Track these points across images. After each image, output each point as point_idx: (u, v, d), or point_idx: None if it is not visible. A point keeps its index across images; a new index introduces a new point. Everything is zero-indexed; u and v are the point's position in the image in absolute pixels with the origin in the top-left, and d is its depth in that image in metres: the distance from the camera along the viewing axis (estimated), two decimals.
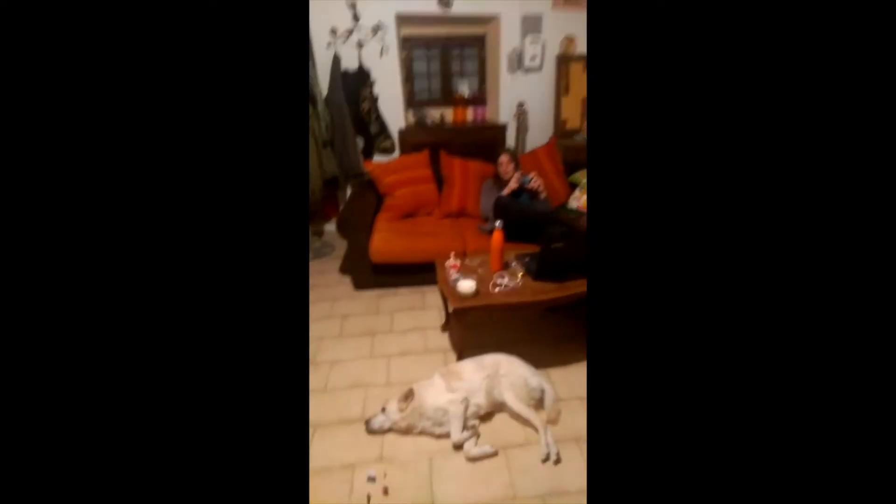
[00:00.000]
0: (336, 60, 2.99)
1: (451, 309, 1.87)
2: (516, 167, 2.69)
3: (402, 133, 3.31)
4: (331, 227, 3.61)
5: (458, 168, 2.89)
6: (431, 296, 2.63)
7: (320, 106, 2.87)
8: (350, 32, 3.04)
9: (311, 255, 3.21)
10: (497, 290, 1.86)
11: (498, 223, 1.99)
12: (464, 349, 1.96)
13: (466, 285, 1.82)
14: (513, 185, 2.59)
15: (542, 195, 2.62)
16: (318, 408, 1.85)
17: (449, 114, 3.48)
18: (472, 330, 2.16)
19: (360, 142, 3.23)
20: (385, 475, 1.53)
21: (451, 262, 2.04)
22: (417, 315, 2.46)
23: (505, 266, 2.05)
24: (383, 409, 1.70)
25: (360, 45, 3.07)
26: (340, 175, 3.15)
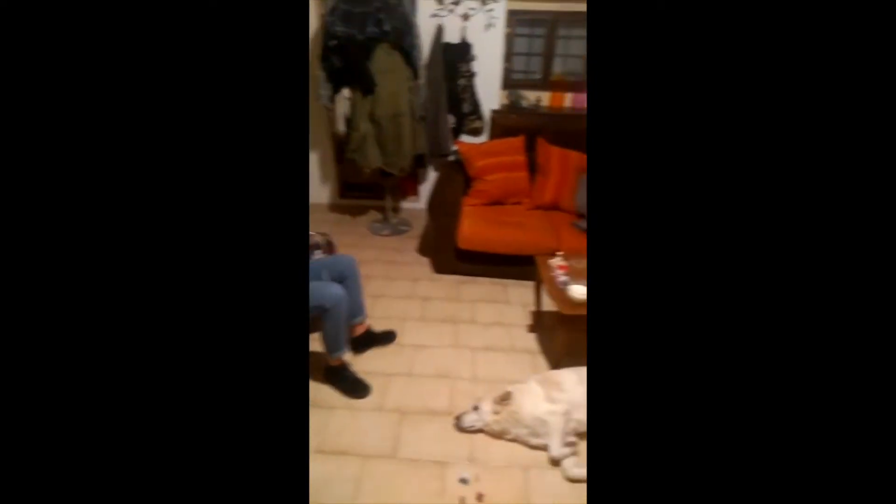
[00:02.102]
0: (439, 31, 2.85)
1: (556, 309, 1.73)
2: None
3: (494, 114, 3.14)
4: (408, 204, 3.54)
5: (556, 157, 2.71)
6: (514, 290, 2.51)
7: (421, 79, 2.75)
8: (457, 2, 2.88)
9: (388, 232, 3.16)
10: None
11: None
12: (562, 358, 1.84)
13: (580, 291, 1.68)
14: None
15: None
16: (405, 394, 1.80)
17: (545, 98, 3.27)
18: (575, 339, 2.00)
19: (451, 120, 3.11)
20: (478, 479, 1.46)
21: (559, 261, 1.90)
22: (501, 309, 2.35)
23: None
24: (476, 408, 1.62)
25: (465, 16, 2.90)
26: (427, 153, 3.05)
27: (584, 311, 1.66)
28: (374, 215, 3.42)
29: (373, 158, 2.76)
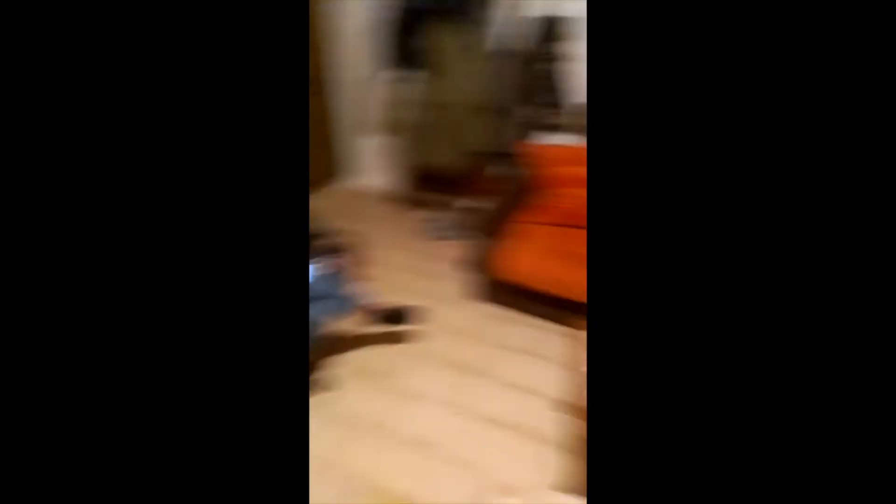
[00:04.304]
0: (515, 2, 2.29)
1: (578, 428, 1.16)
2: None
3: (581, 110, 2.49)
4: (467, 203, 3.09)
5: None
6: (559, 340, 1.93)
7: (480, 58, 2.24)
8: None
9: (436, 235, 2.76)
10: None
11: None
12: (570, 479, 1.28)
13: None
14: None
15: None
16: (355, 460, 1.42)
17: None
18: None
19: (527, 113, 2.54)
20: None
21: None
22: (530, 365, 1.82)
23: None
24: None
25: None
26: (488, 151, 2.55)
27: None
28: (440, 213, 3.04)
29: (422, 151, 2.36)
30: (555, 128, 2.60)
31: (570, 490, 1.23)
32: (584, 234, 2.06)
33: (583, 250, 1.99)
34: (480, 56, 2.19)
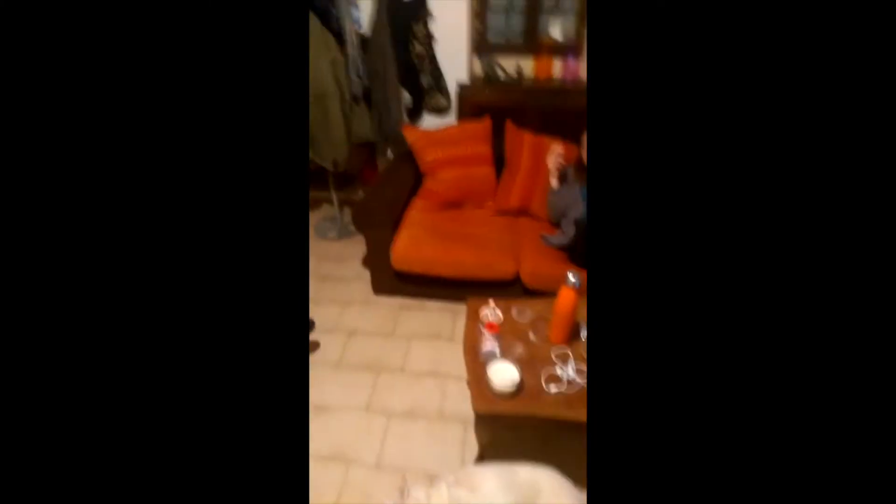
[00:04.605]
0: None
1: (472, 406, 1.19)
2: None
3: (461, 89, 2.52)
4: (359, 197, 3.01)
5: (527, 147, 2.10)
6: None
7: (351, 49, 2.15)
8: None
9: (334, 235, 2.65)
10: (555, 390, 1.17)
11: (572, 278, 1.23)
12: (488, 449, 1.33)
13: (504, 375, 1.14)
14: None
15: None
16: None
17: (529, 66, 2.61)
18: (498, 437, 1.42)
19: (407, 96, 2.51)
20: None
21: (489, 315, 1.35)
22: (441, 350, 1.85)
23: (574, 336, 1.32)
24: None
25: None
26: (378, 139, 2.49)
27: (504, 409, 1.13)
28: (326, 210, 2.92)
29: None
30: (438, 110, 2.60)
31: (485, 457, 1.29)
32: (464, 213, 2.12)
33: (462, 230, 2.04)
34: (333, 44, 2.08)
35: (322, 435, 1.51)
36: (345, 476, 1.38)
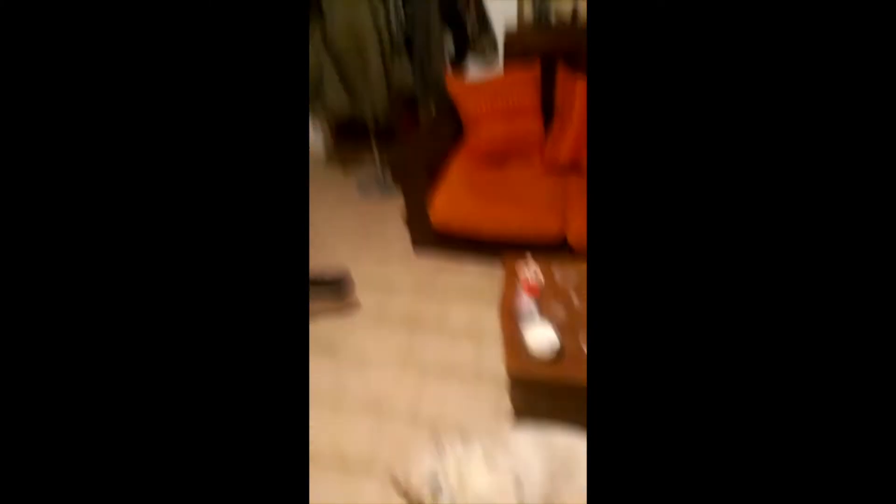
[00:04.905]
0: None
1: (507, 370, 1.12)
2: None
3: (509, 37, 2.32)
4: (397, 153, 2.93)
5: (579, 95, 1.91)
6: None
7: None
8: None
9: (377, 193, 2.62)
10: None
11: None
12: (524, 413, 1.27)
13: (542, 338, 1.06)
14: None
15: None
16: (316, 432, 1.38)
17: (583, 8, 2.35)
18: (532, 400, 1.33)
19: (450, 44, 2.35)
20: None
21: (529, 273, 1.26)
22: (480, 314, 1.78)
23: None
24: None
25: None
26: (420, 90, 2.37)
27: (542, 373, 1.05)
28: (369, 168, 2.88)
29: (336, 103, 2.16)
30: (484, 54, 2.43)
31: (521, 420, 1.24)
32: (506, 170, 1.99)
33: (507, 190, 1.91)
34: None
35: (360, 388, 1.52)
36: (379, 427, 1.39)
